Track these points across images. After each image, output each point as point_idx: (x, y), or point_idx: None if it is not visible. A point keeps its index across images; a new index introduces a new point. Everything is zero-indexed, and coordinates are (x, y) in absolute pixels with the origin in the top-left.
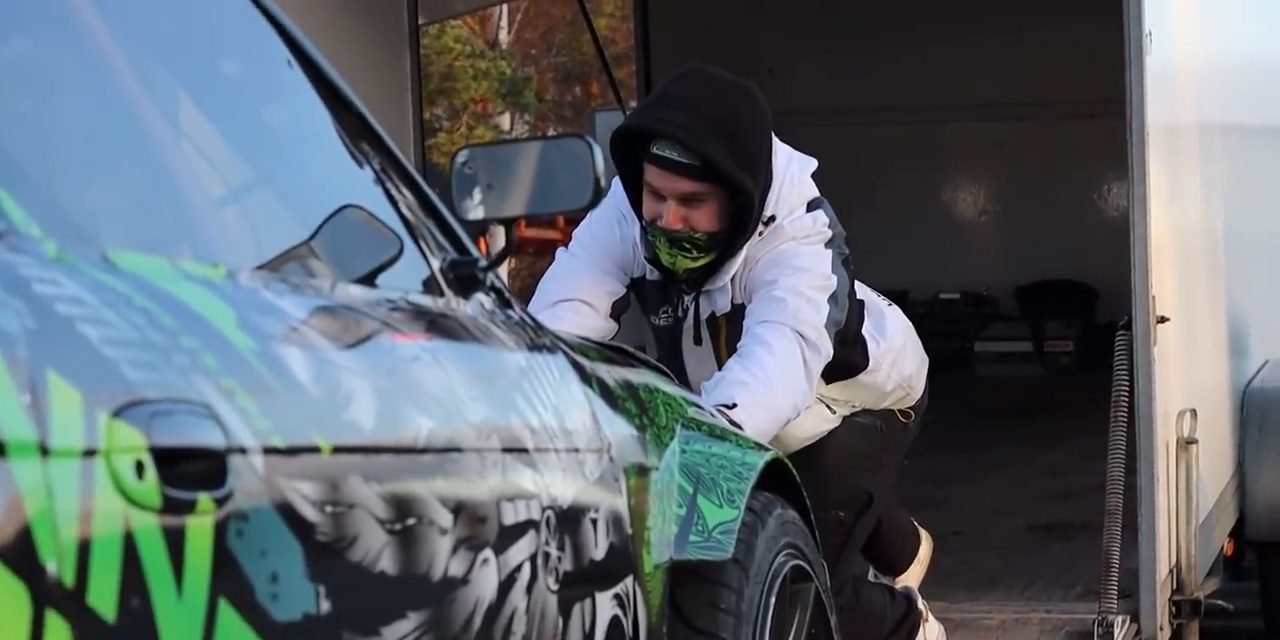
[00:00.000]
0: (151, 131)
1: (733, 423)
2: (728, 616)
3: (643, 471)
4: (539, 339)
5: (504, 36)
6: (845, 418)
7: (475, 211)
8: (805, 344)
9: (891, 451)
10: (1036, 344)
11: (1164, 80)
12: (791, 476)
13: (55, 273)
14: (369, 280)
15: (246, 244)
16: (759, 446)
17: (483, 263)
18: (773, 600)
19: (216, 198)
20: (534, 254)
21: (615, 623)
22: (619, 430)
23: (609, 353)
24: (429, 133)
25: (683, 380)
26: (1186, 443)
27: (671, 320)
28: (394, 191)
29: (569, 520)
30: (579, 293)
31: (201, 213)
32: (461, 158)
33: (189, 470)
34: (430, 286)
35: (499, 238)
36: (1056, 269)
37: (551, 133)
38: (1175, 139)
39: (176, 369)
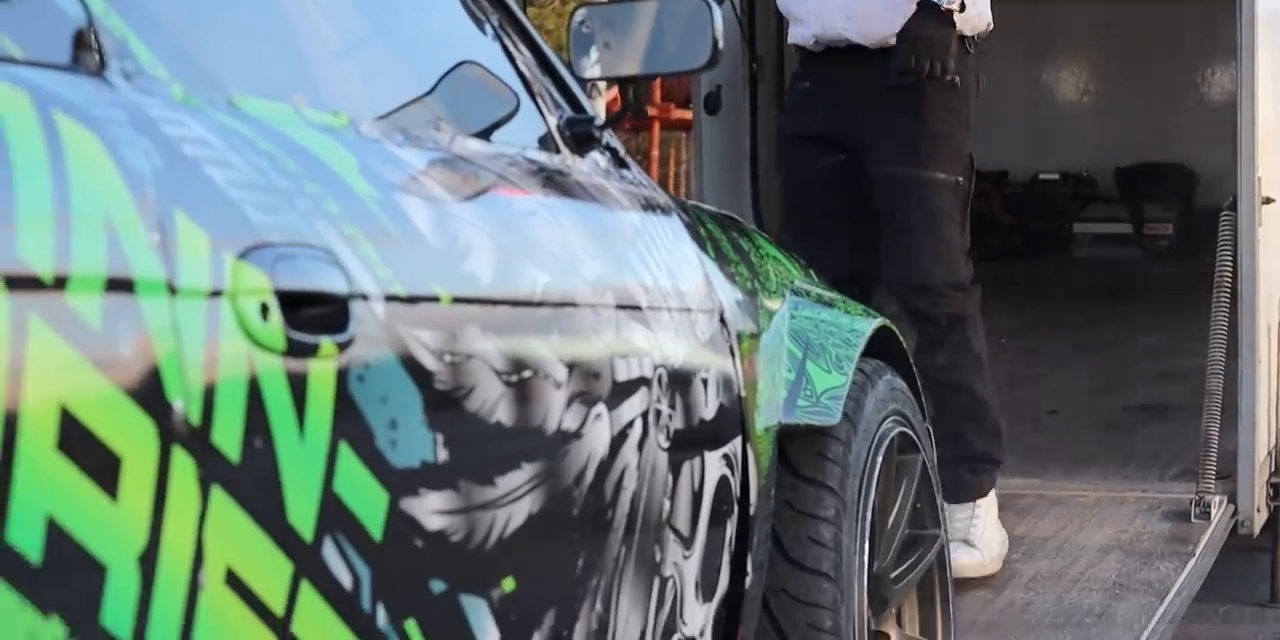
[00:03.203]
0: None
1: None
2: (835, 466)
3: (753, 335)
4: (653, 199)
5: None
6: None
7: (592, 70)
8: None
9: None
10: (1135, 226)
11: None
12: (900, 346)
13: (182, 114)
14: (485, 135)
15: (367, 96)
16: (867, 313)
17: (599, 121)
18: (879, 460)
19: (337, 50)
20: (632, 129)
21: (724, 483)
22: (730, 293)
23: (721, 217)
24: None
25: None
26: None
27: None
28: (511, 48)
29: (680, 379)
30: None
31: (322, 63)
32: (579, 17)
33: (312, 314)
34: (546, 143)
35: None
36: (1157, 151)
37: None
38: None
39: (300, 213)
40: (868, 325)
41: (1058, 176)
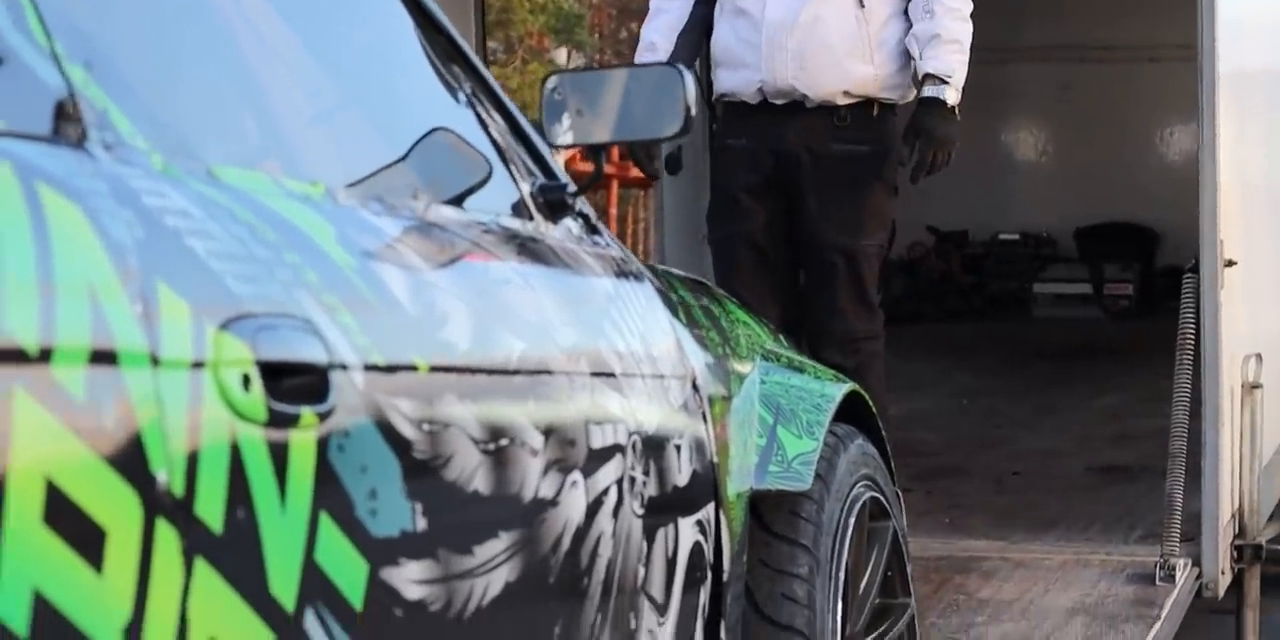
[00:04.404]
0: (249, 50)
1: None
2: (809, 525)
3: (725, 400)
4: (626, 266)
5: None
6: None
7: (565, 137)
8: None
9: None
10: (1096, 287)
11: (1234, 26)
12: (870, 410)
13: (162, 185)
14: (459, 202)
15: (342, 164)
16: (837, 378)
17: (571, 188)
18: (852, 521)
19: (312, 117)
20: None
21: (697, 549)
22: (702, 359)
23: (691, 283)
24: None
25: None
26: (1251, 387)
27: None
28: (485, 115)
29: (654, 446)
30: None
31: (299, 131)
32: (551, 84)
33: (293, 384)
34: (520, 210)
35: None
36: (1117, 212)
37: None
38: (1243, 84)
39: (280, 283)
40: (838, 390)
41: (1018, 236)
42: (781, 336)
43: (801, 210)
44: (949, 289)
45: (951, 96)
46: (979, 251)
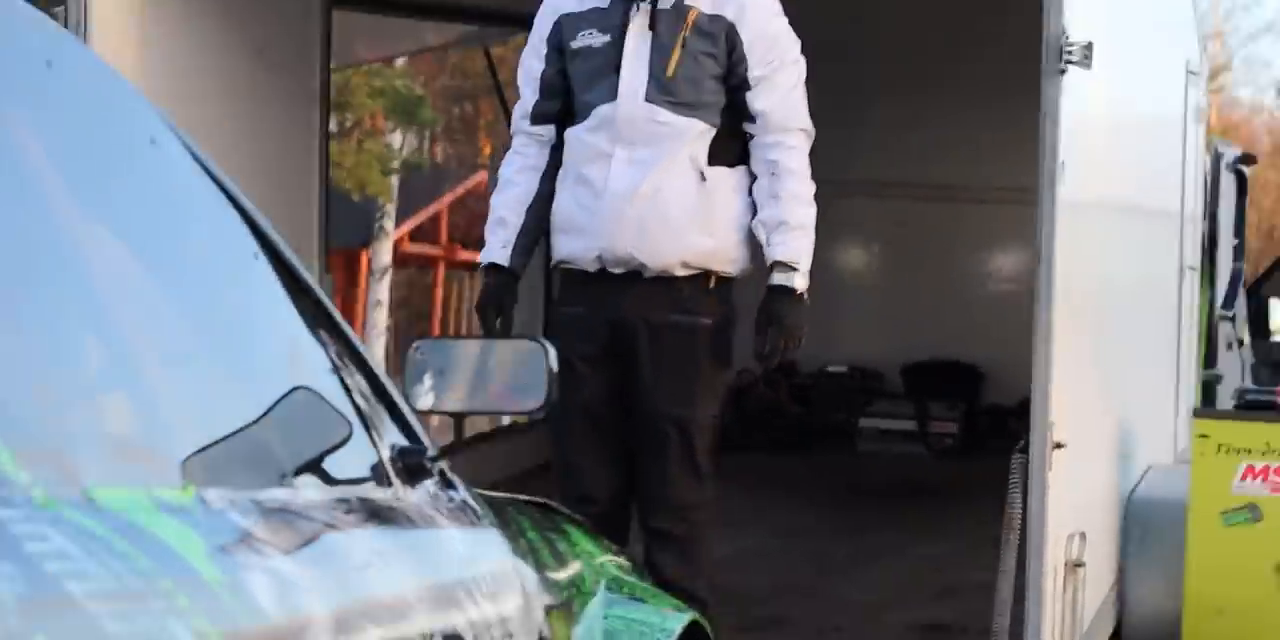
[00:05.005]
0: (111, 328)
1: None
2: None
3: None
4: (478, 521)
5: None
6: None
7: (425, 399)
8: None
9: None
10: (920, 423)
11: (1073, 207)
12: (707, 636)
13: (43, 526)
14: (317, 463)
15: (208, 433)
16: (678, 608)
17: (431, 452)
18: None
19: (179, 394)
20: (417, 269)
21: None
22: (549, 604)
23: (538, 516)
24: None
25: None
26: (1075, 565)
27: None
28: (345, 375)
29: None
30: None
31: (169, 420)
32: (416, 347)
33: None
34: (378, 473)
35: (382, 254)
36: (944, 349)
37: (440, 154)
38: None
39: (153, 615)
40: (678, 623)
41: (845, 369)
42: (622, 557)
43: (636, 380)
44: (776, 418)
45: (800, 283)
46: (806, 382)
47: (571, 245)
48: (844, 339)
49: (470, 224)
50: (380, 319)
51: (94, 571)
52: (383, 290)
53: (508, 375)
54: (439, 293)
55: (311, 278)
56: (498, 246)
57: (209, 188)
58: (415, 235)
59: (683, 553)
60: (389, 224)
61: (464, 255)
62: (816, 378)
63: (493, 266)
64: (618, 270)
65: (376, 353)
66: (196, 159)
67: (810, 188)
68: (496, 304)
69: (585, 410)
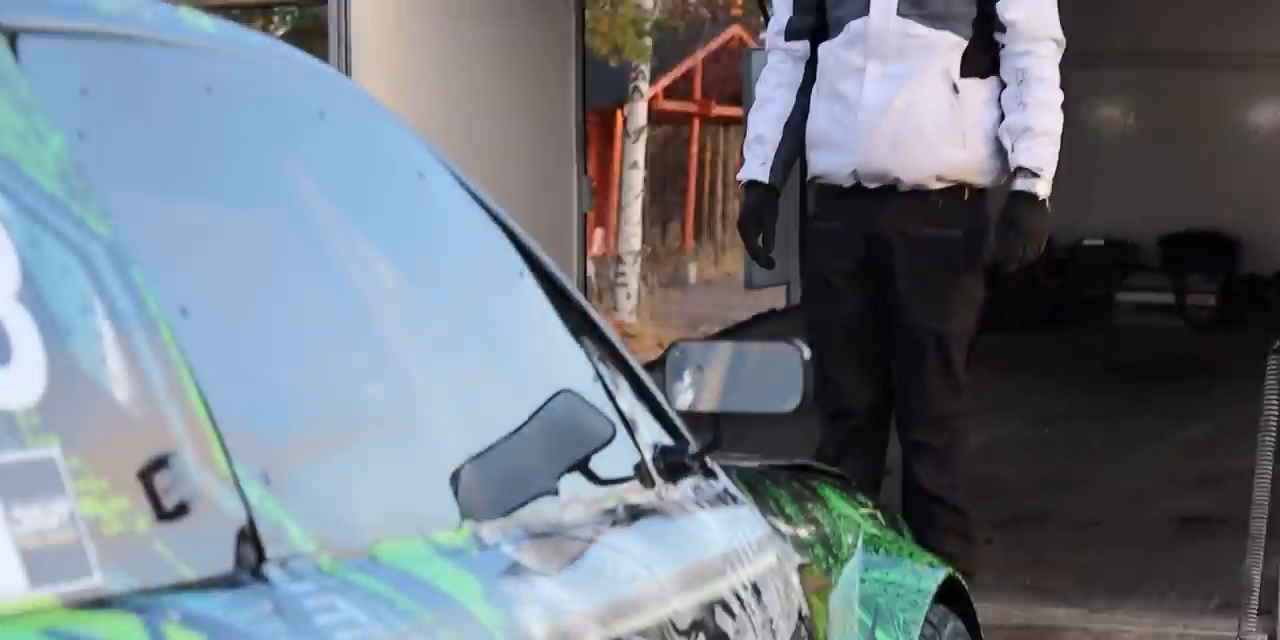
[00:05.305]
0: (391, 370)
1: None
2: None
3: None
4: (738, 510)
5: None
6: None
7: (684, 397)
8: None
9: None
10: (1178, 296)
11: None
12: (964, 591)
13: (331, 595)
14: (584, 466)
15: (479, 443)
16: (933, 565)
17: (692, 450)
18: None
19: (447, 423)
20: (673, 125)
21: None
22: (808, 582)
23: (795, 486)
24: None
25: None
26: None
27: None
28: (608, 377)
29: None
30: None
31: (439, 450)
32: (675, 352)
33: None
34: (641, 473)
35: (637, 115)
36: (1201, 220)
37: (693, 9)
38: None
39: None
40: (933, 582)
41: (1103, 242)
42: (879, 512)
43: (893, 294)
44: (1031, 294)
45: (1043, 190)
46: (1063, 256)
47: (827, 160)
48: (1100, 211)
49: (724, 80)
50: (635, 181)
51: (381, 635)
52: (638, 151)
53: (764, 376)
54: (693, 149)
55: (574, 287)
56: (756, 163)
57: (474, 212)
58: (670, 92)
59: (942, 463)
60: (644, 85)
61: (719, 110)
62: (1072, 251)
63: (752, 183)
64: (873, 185)
65: (632, 215)
66: (463, 185)
67: (1058, 96)
68: (757, 220)
69: (843, 325)
